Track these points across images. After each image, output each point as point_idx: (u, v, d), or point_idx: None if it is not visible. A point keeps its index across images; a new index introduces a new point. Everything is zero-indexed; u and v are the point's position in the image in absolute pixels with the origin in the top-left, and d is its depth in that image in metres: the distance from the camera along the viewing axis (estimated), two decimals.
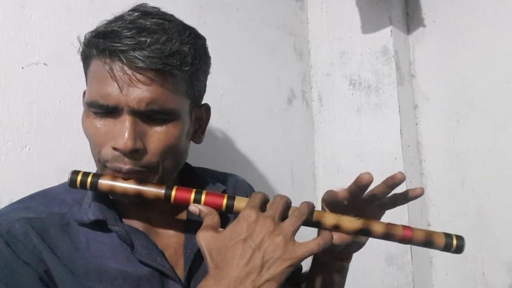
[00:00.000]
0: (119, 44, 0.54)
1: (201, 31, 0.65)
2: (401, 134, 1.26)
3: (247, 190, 0.81)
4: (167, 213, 0.67)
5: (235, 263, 0.51)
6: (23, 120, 0.77)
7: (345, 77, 1.38)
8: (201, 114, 0.69)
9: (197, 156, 0.90)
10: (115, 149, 0.56)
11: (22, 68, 0.77)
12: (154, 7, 0.62)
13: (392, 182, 0.58)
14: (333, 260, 0.66)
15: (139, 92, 0.55)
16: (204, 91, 0.68)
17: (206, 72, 0.66)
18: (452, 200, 1.27)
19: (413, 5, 1.36)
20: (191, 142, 0.68)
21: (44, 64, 0.80)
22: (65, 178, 0.79)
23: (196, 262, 0.63)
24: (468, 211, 1.24)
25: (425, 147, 1.33)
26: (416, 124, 1.35)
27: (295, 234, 0.54)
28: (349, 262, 0.68)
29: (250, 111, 1.20)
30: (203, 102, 0.69)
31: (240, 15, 1.20)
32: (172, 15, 0.62)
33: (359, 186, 0.57)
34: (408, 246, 1.20)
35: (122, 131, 0.55)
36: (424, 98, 1.34)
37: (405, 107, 1.30)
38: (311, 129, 1.42)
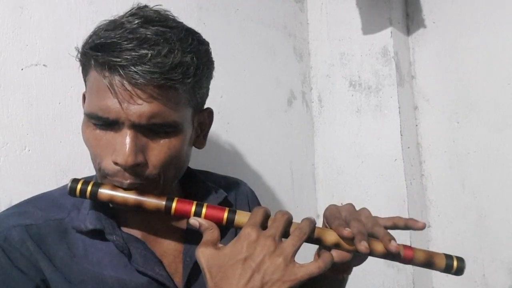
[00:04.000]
0: (119, 59, 0.52)
1: (200, 32, 0.64)
2: (401, 135, 1.26)
3: (248, 196, 0.81)
4: (167, 220, 0.67)
5: (234, 283, 0.50)
6: (23, 121, 0.77)
7: (345, 78, 1.37)
8: (204, 119, 0.68)
9: (197, 157, 0.90)
10: (115, 163, 0.55)
11: (22, 69, 0.77)
12: (155, 10, 0.59)
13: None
14: (333, 273, 0.65)
15: (140, 107, 0.54)
16: (207, 95, 0.67)
17: (209, 78, 0.65)
18: (452, 202, 1.26)
19: (413, 6, 1.36)
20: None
21: (44, 65, 0.80)
22: (64, 179, 0.79)
23: (195, 271, 0.62)
24: (468, 213, 1.23)
25: (425, 148, 1.33)
26: (416, 126, 1.34)
27: (295, 255, 0.53)
28: (350, 273, 0.68)
29: (250, 112, 1.20)
30: (205, 106, 0.68)
31: (239, 16, 1.20)
32: (174, 19, 0.60)
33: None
34: None
35: (123, 145, 0.54)
36: (424, 99, 1.33)
37: (405, 108, 1.30)
38: (311, 130, 1.42)
